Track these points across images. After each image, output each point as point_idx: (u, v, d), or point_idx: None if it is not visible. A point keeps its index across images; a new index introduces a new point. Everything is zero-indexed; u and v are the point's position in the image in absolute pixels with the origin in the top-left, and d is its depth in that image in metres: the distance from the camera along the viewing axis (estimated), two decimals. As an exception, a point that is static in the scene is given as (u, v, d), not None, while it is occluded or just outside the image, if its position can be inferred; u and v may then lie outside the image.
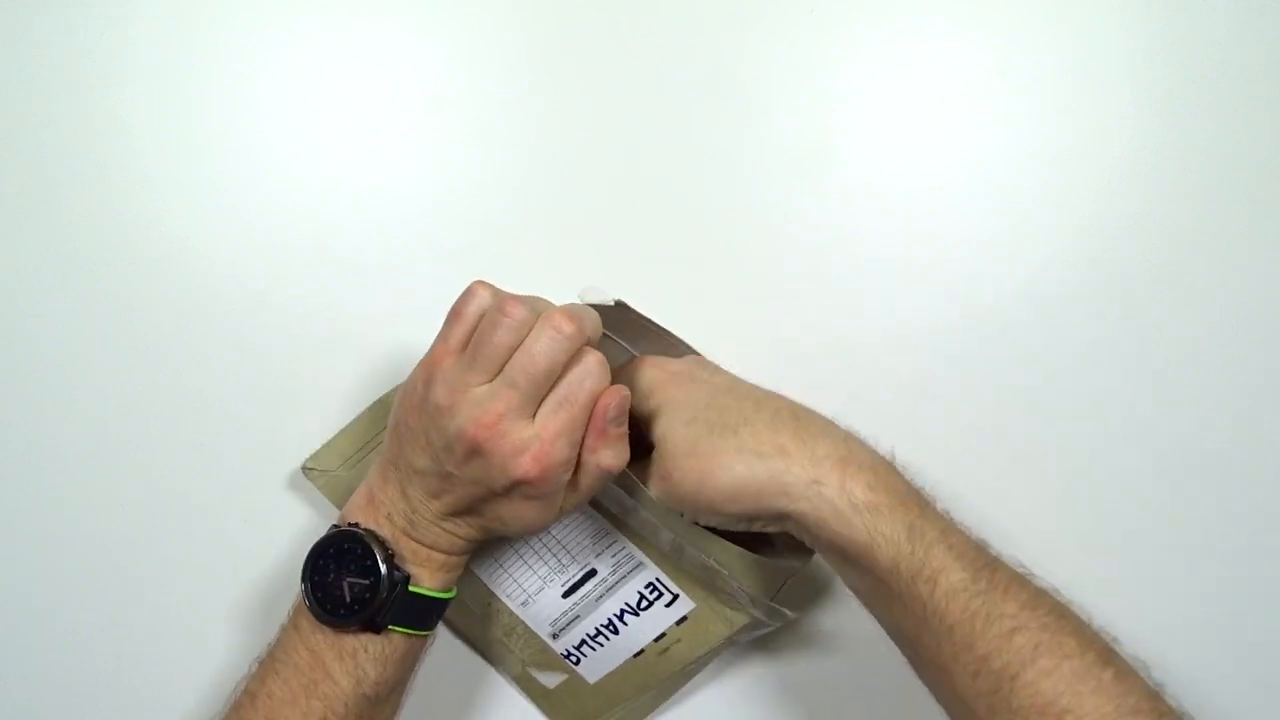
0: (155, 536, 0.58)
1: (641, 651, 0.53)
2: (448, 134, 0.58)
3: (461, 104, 0.58)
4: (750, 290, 0.58)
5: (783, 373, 0.57)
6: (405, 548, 0.46)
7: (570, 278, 0.57)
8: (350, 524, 0.46)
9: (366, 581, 0.45)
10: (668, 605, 0.51)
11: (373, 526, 0.46)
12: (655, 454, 0.46)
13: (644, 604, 0.52)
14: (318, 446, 0.56)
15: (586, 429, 0.44)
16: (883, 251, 0.57)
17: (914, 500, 0.44)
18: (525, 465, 0.43)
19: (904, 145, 0.58)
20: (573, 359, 0.44)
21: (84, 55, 0.58)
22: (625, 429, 0.46)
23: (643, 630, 0.52)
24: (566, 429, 0.43)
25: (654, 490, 0.47)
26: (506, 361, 0.43)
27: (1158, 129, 0.57)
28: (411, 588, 0.45)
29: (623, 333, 0.53)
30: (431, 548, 0.46)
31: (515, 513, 0.45)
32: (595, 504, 0.51)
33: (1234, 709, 0.57)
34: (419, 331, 0.57)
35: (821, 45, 0.58)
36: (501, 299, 0.45)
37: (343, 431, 0.55)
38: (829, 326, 0.57)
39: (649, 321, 0.52)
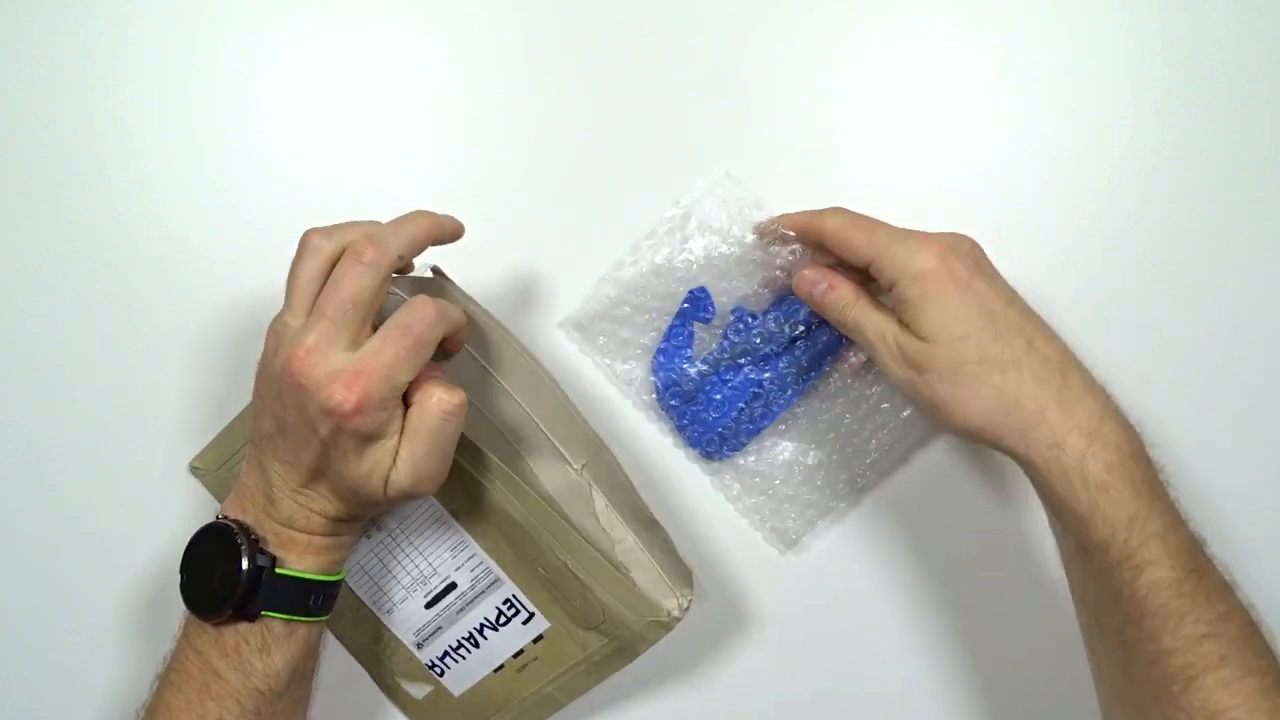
0: (156, 537, 0.58)
1: (501, 666, 0.53)
2: (448, 134, 0.58)
3: (461, 104, 0.58)
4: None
5: (783, 373, 0.57)
6: (268, 530, 0.45)
7: (570, 278, 0.58)
8: (218, 517, 0.46)
9: (231, 568, 0.43)
10: (524, 623, 0.52)
11: (237, 515, 0.45)
12: (910, 344, 0.45)
13: (502, 620, 0.52)
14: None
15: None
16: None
17: (1147, 489, 0.43)
18: (338, 394, 0.41)
19: (904, 145, 0.58)
20: (409, 307, 0.43)
21: (84, 55, 0.58)
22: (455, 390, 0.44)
23: (502, 645, 0.53)
24: (388, 363, 0.41)
25: (896, 373, 0.46)
26: (313, 285, 0.43)
27: (1158, 129, 0.57)
28: (279, 570, 0.44)
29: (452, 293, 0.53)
30: (290, 526, 0.45)
31: (347, 465, 0.43)
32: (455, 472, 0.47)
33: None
34: (419, 331, 0.58)
35: (821, 45, 0.58)
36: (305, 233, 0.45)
37: (224, 431, 0.55)
38: (829, 326, 0.57)
39: (463, 293, 0.53)
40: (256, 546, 0.44)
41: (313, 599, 0.46)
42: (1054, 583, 0.57)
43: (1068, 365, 0.45)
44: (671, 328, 0.56)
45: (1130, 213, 0.57)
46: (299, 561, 0.45)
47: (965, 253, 0.46)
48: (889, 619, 0.57)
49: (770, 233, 0.51)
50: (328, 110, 0.58)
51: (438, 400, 0.43)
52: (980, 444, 0.45)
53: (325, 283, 0.43)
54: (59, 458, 0.58)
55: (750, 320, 0.54)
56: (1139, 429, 0.45)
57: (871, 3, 0.58)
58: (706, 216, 0.56)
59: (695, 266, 0.55)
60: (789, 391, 0.55)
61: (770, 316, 0.53)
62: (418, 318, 0.43)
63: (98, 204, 0.58)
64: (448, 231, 0.48)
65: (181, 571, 0.46)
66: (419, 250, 0.46)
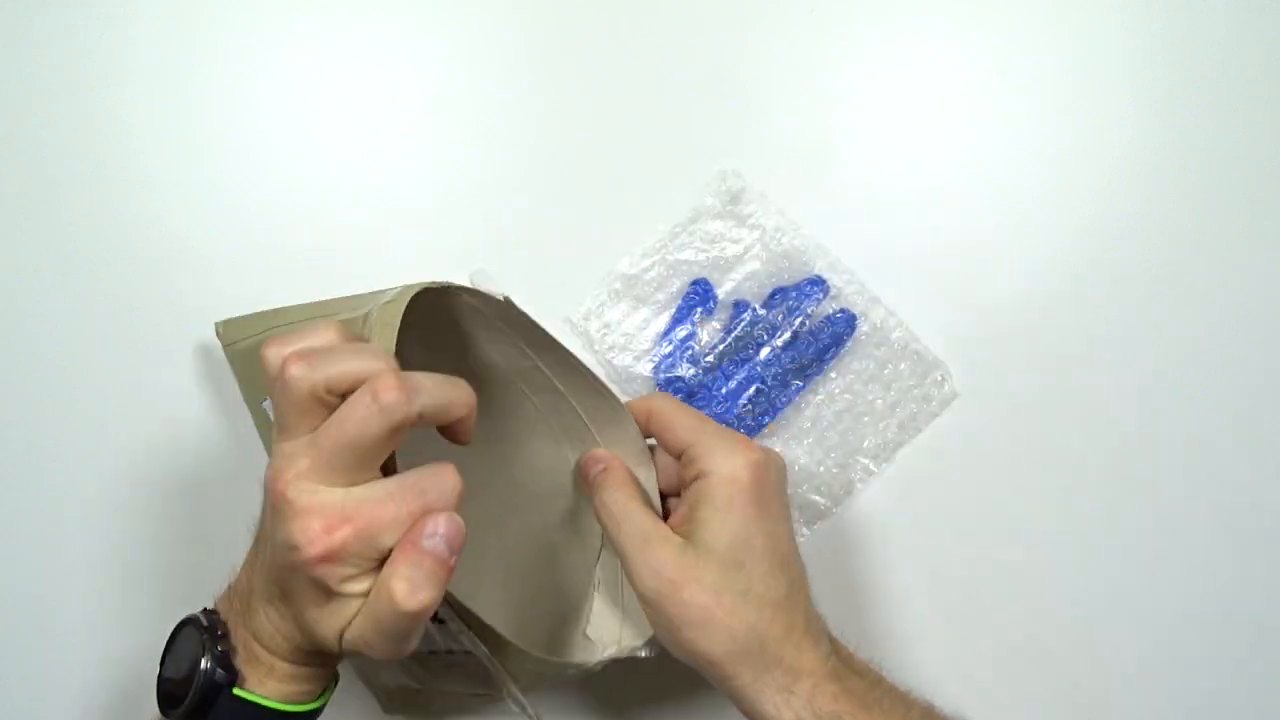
0: (155, 537, 0.58)
1: None
2: (448, 134, 0.58)
3: (461, 104, 0.58)
4: (750, 290, 0.58)
5: (783, 373, 0.57)
6: (239, 638, 0.39)
7: (570, 277, 0.58)
8: (204, 610, 0.41)
9: (190, 673, 0.38)
10: None
11: (220, 611, 0.40)
12: (674, 553, 0.42)
13: None
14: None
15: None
16: (882, 251, 0.57)
17: (871, 697, 0.42)
18: (310, 533, 0.34)
19: (904, 145, 0.58)
20: (435, 470, 0.36)
21: (84, 55, 0.58)
22: (446, 565, 0.35)
23: None
24: (382, 522, 0.35)
25: (647, 581, 0.42)
26: (306, 418, 0.36)
27: (1158, 129, 0.57)
28: (236, 690, 0.38)
29: (515, 329, 0.48)
30: (258, 641, 0.39)
31: (304, 601, 0.37)
32: None
33: (1234, 708, 0.57)
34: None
35: (821, 45, 0.58)
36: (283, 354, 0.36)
37: (265, 313, 0.50)
38: (829, 326, 0.58)
39: (536, 325, 0.47)
40: (223, 657, 0.39)
41: None
42: (1048, 574, 0.57)
43: (808, 605, 0.44)
44: (674, 321, 0.56)
45: (1130, 213, 0.57)
46: (260, 685, 0.39)
47: (776, 470, 0.45)
48: (890, 614, 0.57)
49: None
50: (328, 110, 0.58)
51: (402, 588, 0.35)
52: (705, 673, 0.43)
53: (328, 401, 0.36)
54: (59, 458, 0.58)
55: (754, 313, 0.54)
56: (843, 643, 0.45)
57: (871, 3, 0.58)
58: (708, 212, 0.56)
59: (697, 265, 0.55)
60: (791, 387, 0.55)
61: (772, 310, 0.53)
62: (439, 490, 0.36)
63: (98, 204, 0.58)
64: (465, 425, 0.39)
65: (161, 659, 0.41)
66: (444, 419, 0.37)
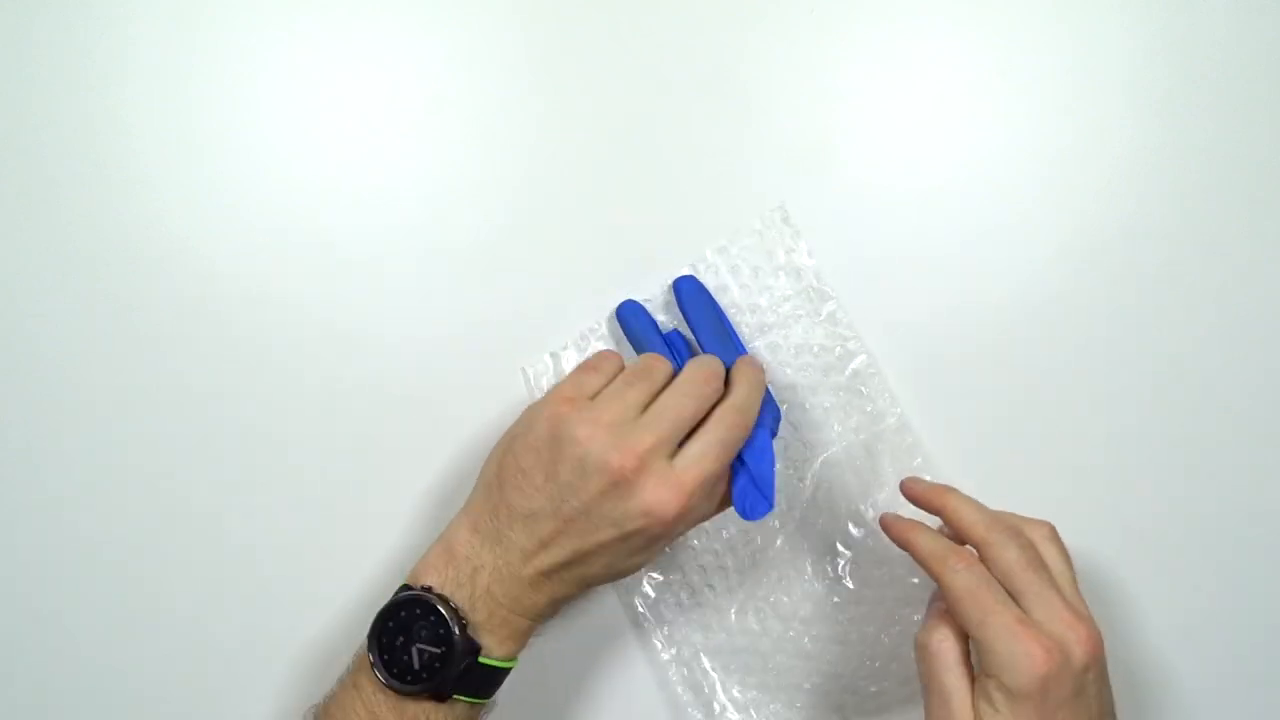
0: (155, 537, 0.58)
1: None
2: (448, 134, 0.58)
3: (461, 104, 0.58)
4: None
5: (783, 373, 0.57)
6: (482, 611, 0.45)
7: (570, 278, 0.58)
8: (423, 586, 0.45)
9: (438, 650, 0.44)
10: None
11: (447, 590, 0.45)
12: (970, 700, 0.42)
13: None
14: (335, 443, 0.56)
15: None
16: (882, 251, 0.57)
17: None
18: (666, 501, 0.43)
19: (904, 145, 0.58)
20: (732, 422, 0.46)
21: (84, 55, 0.58)
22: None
23: None
24: (707, 480, 0.44)
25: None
26: (649, 405, 0.45)
27: (1157, 129, 0.57)
28: (481, 659, 0.44)
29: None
30: (511, 610, 0.45)
31: (622, 561, 0.45)
32: None
33: (1232, 706, 0.57)
34: (419, 331, 0.58)
35: (821, 45, 0.58)
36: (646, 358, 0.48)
37: None
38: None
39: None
40: (466, 632, 0.44)
41: (496, 685, 0.46)
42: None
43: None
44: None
45: (1130, 213, 0.57)
46: (500, 647, 0.45)
47: (1072, 671, 0.41)
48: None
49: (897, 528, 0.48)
50: (328, 110, 0.58)
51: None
52: None
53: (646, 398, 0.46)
54: (59, 458, 0.58)
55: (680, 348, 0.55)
56: None
57: (871, 3, 0.58)
58: (745, 251, 0.57)
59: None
60: None
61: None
62: (732, 445, 0.46)
63: (98, 204, 0.58)
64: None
65: (376, 635, 0.45)
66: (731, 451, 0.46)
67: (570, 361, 0.57)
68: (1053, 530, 0.46)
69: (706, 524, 0.55)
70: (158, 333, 0.58)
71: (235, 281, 0.58)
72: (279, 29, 0.58)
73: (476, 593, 0.45)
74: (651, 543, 0.45)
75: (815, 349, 0.56)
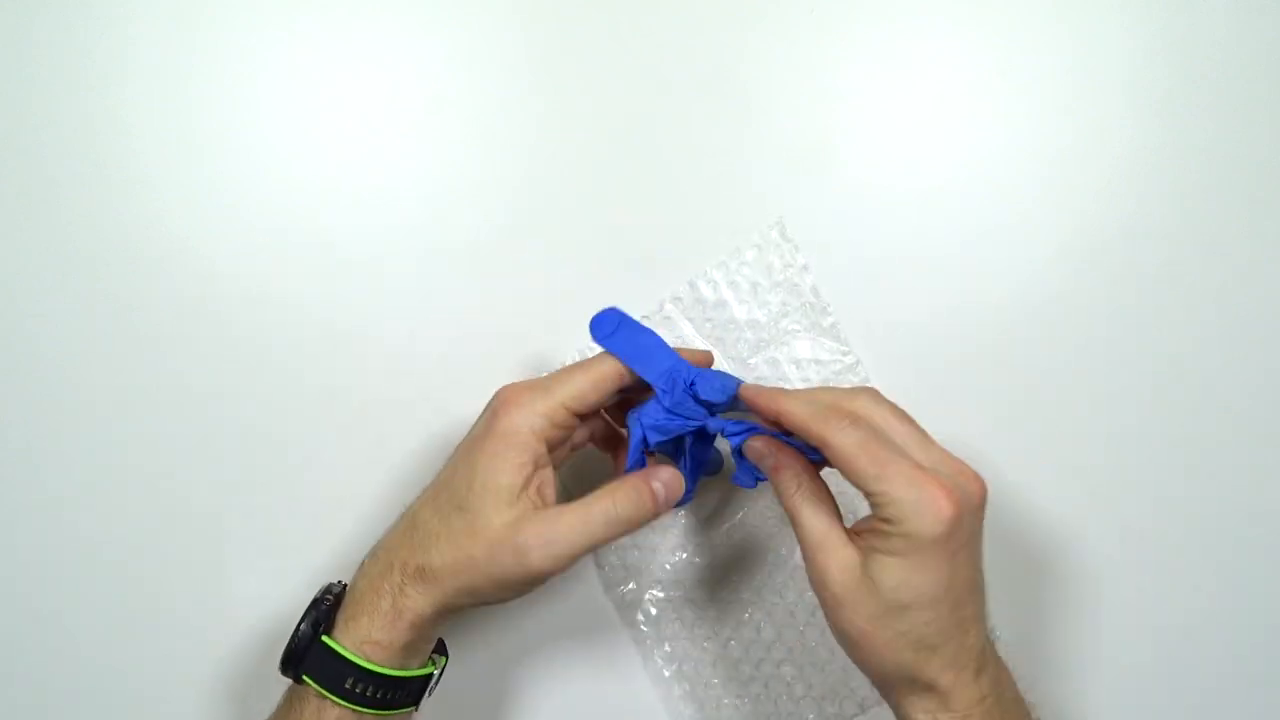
0: (154, 538, 0.58)
1: None
2: (448, 134, 0.58)
3: (461, 104, 0.58)
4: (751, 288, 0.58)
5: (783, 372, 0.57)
6: (355, 598, 0.45)
7: (569, 278, 0.58)
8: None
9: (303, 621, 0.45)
10: None
11: (366, 565, 0.47)
12: (850, 579, 0.41)
13: None
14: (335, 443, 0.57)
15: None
16: (882, 251, 0.57)
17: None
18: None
19: (904, 145, 0.58)
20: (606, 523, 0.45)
21: (84, 55, 0.58)
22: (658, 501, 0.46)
23: None
24: (552, 541, 0.44)
25: (817, 587, 0.43)
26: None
27: (1157, 129, 0.57)
28: (324, 637, 0.44)
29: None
30: (374, 606, 0.45)
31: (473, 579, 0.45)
32: None
33: (1232, 705, 0.57)
34: (418, 331, 0.58)
35: (821, 45, 0.58)
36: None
37: None
38: (829, 323, 0.57)
39: None
40: (327, 606, 0.45)
41: (350, 682, 0.44)
42: (1047, 573, 0.57)
43: (978, 638, 0.42)
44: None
45: (1130, 213, 0.57)
46: (348, 637, 0.44)
47: (972, 512, 0.41)
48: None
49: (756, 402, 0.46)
50: (328, 110, 0.58)
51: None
52: (858, 665, 0.43)
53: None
54: (59, 458, 0.58)
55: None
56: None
57: (871, 3, 0.58)
58: (743, 267, 0.57)
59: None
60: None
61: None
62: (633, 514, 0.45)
63: (98, 204, 0.58)
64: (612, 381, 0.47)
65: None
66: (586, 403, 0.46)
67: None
68: (874, 393, 0.44)
69: (706, 539, 0.56)
70: (158, 333, 0.58)
71: (235, 281, 0.58)
72: (279, 29, 0.58)
73: (359, 578, 0.45)
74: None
75: (814, 364, 0.56)
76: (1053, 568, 0.57)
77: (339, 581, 0.48)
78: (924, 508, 0.39)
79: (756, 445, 0.46)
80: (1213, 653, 0.56)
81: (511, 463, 0.43)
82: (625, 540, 0.56)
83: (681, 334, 0.57)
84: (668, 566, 0.57)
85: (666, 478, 0.45)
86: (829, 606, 0.42)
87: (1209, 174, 0.57)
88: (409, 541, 0.45)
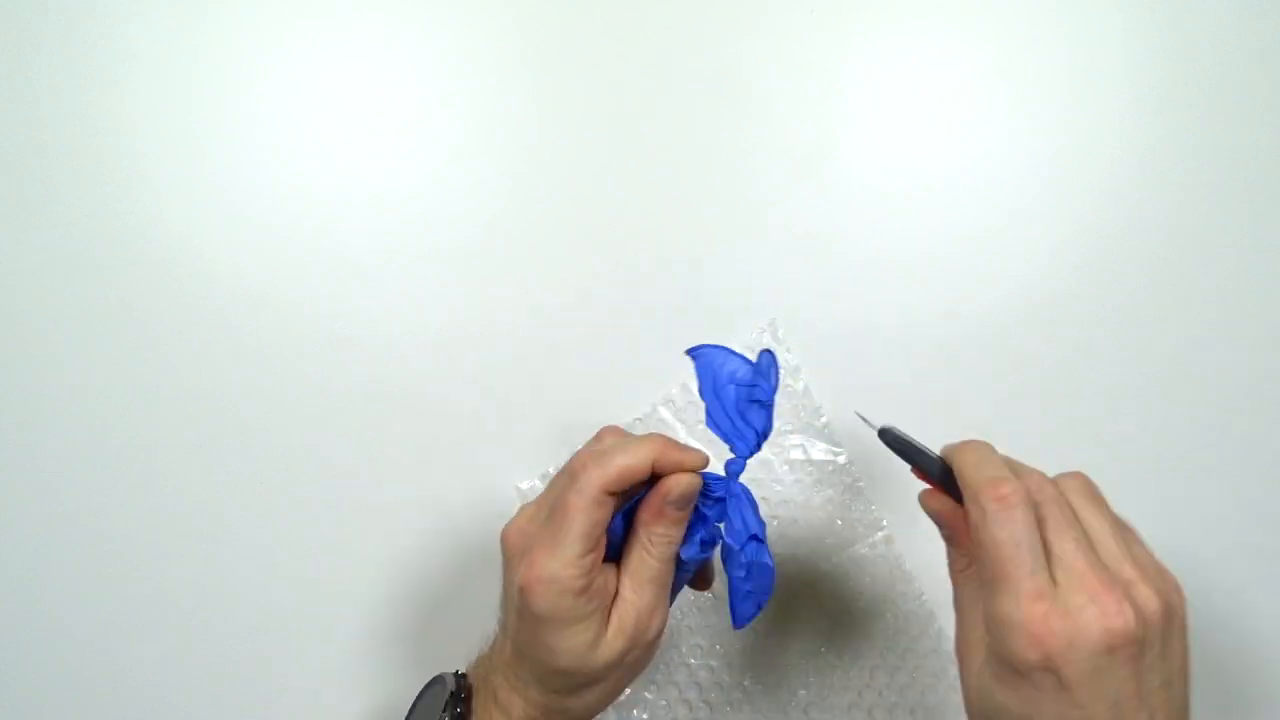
0: (155, 537, 0.58)
1: None
2: (448, 134, 0.58)
3: (461, 104, 0.58)
4: (751, 287, 0.58)
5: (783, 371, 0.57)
6: (483, 703, 0.44)
7: (570, 278, 0.58)
8: (456, 671, 0.46)
9: None
10: None
11: (470, 676, 0.46)
12: (991, 687, 0.37)
13: None
14: (321, 447, 0.56)
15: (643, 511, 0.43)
16: (882, 249, 0.57)
17: None
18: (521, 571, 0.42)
19: (904, 145, 0.58)
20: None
21: (85, 55, 0.58)
22: (685, 512, 0.43)
23: None
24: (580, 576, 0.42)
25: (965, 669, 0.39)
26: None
27: (1157, 129, 0.57)
28: None
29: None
30: (494, 703, 0.44)
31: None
32: None
33: (1233, 704, 0.57)
34: (418, 331, 0.58)
35: (821, 45, 0.58)
36: None
37: None
38: (829, 323, 0.58)
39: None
40: (456, 706, 0.44)
41: None
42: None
43: None
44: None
45: (1129, 213, 0.57)
46: None
47: (1088, 654, 0.35)
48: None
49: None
50: (328, 111, 0.58)
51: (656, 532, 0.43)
52: None
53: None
54: (58, 458, 0.58)
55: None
56: None
57: (871, 3, 0.58)
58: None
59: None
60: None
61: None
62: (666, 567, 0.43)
63: (99, 205, 0.58)
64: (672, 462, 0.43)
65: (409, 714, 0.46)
66: (626, 483, 0.42)
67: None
68: (1085, 481, 0.41)
69: (701, 641, 0.56)
70: (158, 333, 0.58)
71: (235, 281, 0.58)
72: (280, 29, 0.58)
73: (478, 675, 0.45)
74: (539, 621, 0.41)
75: (807, 464, 0.56)
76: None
77: (456, 678, 0.46)
78: (1091, 621, 0.35)
79: (936, 508, 0.42)
80: (1213, 652, 0.56)
81: (574, 632, 0.42)
82: None
83: (675, 435, 0.56)
84: (662, 667, 0.57)
85: (677, 492, 0.43)
86: (964, 684, 0.39)
87: (1208, 174, 0.57)
88: (533, 703, 0.44)
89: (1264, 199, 0.57)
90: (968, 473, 0.39)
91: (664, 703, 0.56)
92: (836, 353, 0.57)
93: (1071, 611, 0.35)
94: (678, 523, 0.43)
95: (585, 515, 0.41)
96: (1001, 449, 0.57)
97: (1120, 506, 0.57)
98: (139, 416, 0.58)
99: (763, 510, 0.53)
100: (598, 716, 0.45)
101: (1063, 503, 0.39)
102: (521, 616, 0.42)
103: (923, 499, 0.42)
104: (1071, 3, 0.57)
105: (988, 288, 0.57)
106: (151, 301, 0.58)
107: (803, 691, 0.56)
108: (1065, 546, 0.37)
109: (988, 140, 0.58)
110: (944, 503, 0.42)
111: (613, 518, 0.43)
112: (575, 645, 0.41)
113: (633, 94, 0.58)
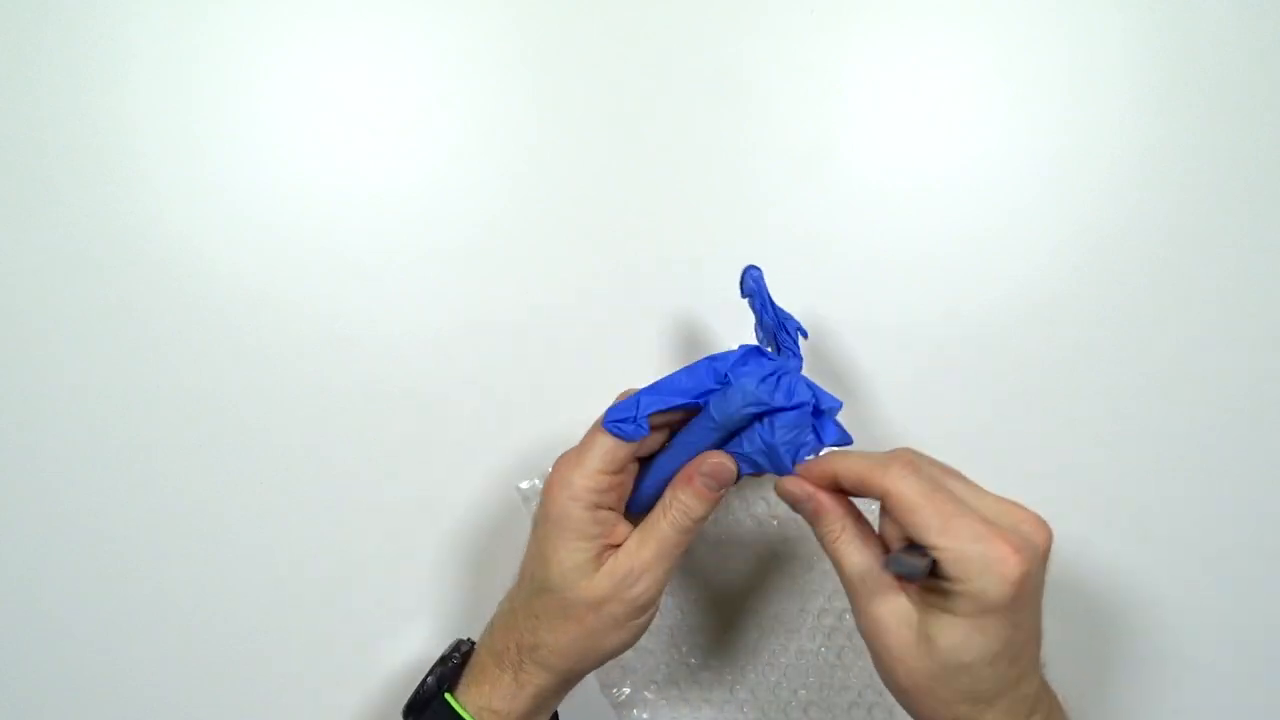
0: (153, 538, 0.58)
1: None
2: (448, 134, 0.59)
3: (461, 104, 0.58)
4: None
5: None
6: (477, 661, 0.47)
7: (570, 278, 0.58)
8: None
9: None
10: None
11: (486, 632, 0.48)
12: (903, 615, 0.40)
13: None
14: (321, 447, 0.56)
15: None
16: (882, 249, 0.57)
17: None
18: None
19: (904, 145, 0.58)
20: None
21: (85, 55, 0.58)
22: (714, 494, 0.45)
23: None
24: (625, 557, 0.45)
25: (859, 622, 0.41)
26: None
27: (1157, 129, 0.57)
28: (446, 694, 0.46)
29: None
30: (492, 658, 0.47)
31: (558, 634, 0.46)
32: None
33: (1232, 705, 0.57)
34: (418, 331, 0.58)
35: (821, 45, 0.58)
36: None
37: None
38: (830, 323, 0.58)
39: None
40: (452, 666, 0.47)
41: None
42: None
43: (1033, 686, 0.40)
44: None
45: (1129, 213, 0.57)
46: (470, 700, 0.45)
47: (1039, 564, 0.38)
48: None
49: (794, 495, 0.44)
50: (329, 110, 0.58)
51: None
52: (907, 711, 0.42)
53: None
54: (58, 458, 0.58)
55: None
56: None
57: (871, 3, 0.58)
58: None
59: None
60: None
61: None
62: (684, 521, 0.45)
63: (99, 205, 0.58)
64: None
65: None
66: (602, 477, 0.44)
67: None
68: (912, 450, 0.42)
69: (701, 641, 0.57)
70: (158, 333, 0.58)
71: (235, 281, 0.58)
72: (280, 29, 0.58)
73: (481, 649, 0.47)
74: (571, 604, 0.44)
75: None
76: (1053, 567, 0.57)
77: (468, 639, 0.49)
78: (991, 567, 0.37)
79: (791, 489, 0.43)
80: (1213, 650, 0.56)
81: (572, 545, 0.44)
82: None
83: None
84: (663, 667, 0.57)
85: (711, 464, 0.44)
86: (881, 658, 0.40)
87: (1207, 174, 0.57)
88: (515, 625, 0.46)
89: (1264, 199, 0.57)
90: (856, 464, 0.41)
91: (664, 702, 0.56)
92: (837, 353, 0.57)
93: (1021, 533, 0.38)
94: (703, 499, 0.44)
95: (611, 437, 0.44)
96: (1002, 449, 0.57)
97: (1121, 506, 0.57)
98: (139, 416, 0.58)
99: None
100: None
101: (928, 466, 0.41)
102: (536, 526, 0.45)
103: (780, 486, 0.43)
104: (1071, 3, 0.57)
105: (988, 288, 0.57)
106: (151, 301, 0.58)
107: (803, 691, 0.56)
108: (965, 494, 0.40)
109: (988, 140, 0.58)
110: (801, 484, 0.43)
111: (649, 469, 0.46)
112: (567, 561, 0.44)
113: (633, 94, 0.58)
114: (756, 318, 0.47)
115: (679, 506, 0.44)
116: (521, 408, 0.57)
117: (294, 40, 0.58)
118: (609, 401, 0.58)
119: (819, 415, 0.44)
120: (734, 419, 0.43)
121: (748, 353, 0.45)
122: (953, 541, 0.37)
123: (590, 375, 0.58)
